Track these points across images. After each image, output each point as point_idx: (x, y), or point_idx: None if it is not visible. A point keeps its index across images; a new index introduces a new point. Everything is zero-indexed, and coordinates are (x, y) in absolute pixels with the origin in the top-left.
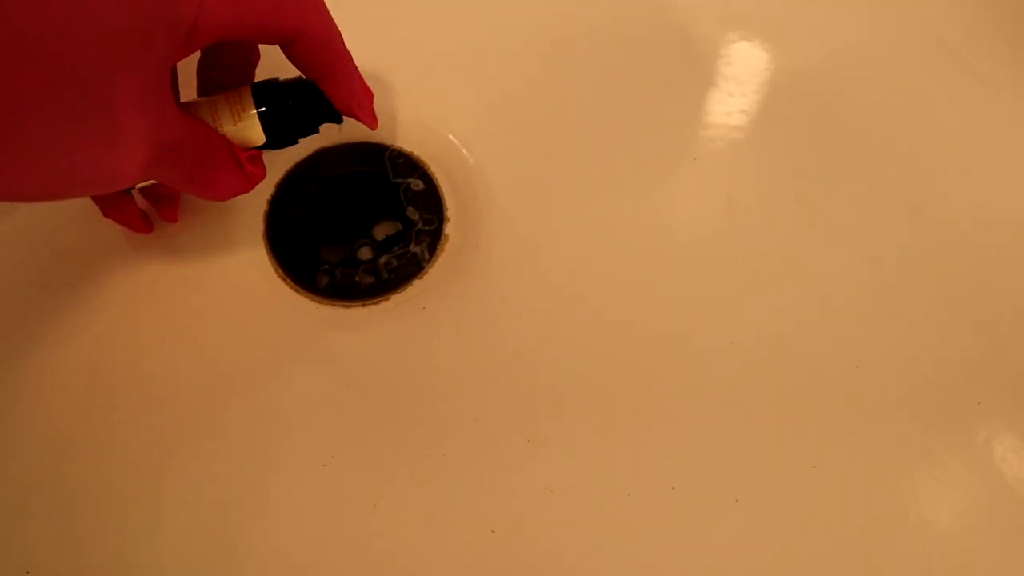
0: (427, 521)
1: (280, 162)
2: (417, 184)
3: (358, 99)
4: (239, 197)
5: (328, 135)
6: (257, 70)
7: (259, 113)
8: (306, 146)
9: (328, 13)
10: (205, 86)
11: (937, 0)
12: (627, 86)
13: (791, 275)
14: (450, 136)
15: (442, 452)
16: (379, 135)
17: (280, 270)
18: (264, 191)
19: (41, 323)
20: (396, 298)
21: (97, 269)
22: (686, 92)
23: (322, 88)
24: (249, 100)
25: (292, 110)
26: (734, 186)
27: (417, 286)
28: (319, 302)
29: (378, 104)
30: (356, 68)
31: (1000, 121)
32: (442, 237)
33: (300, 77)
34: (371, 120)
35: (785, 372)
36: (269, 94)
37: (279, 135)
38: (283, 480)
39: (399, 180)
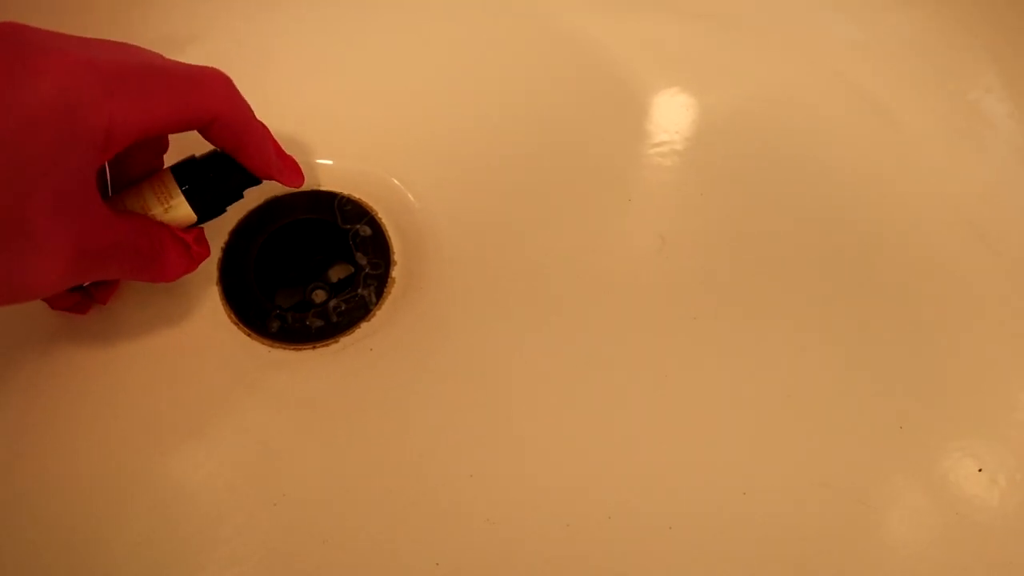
0: (374, 554)
1: (233, 211)
2: (365, 230)
3: (275, 166)
4: None
5: (280, 184)
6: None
7: (184, 193)
8: (258, 196)
9: (236, 93)
10: (119, 171)
11: (852, 47)
12: (565, 129)
13: (721, 307)
14: (396, 182)
15: (388, 487)
16: (328, 182)
17: (234, 316)
18: (218, 240)
19: None
20: (344, 340)
21: (49, 314)
22: (621, 136)
23: (238, 160)
24: (173, 183)
25: (214, 183)
26: (666, 225)
27: (365, 328)
28: (271, 346)
29: (327, 151)
30: (269, 135)
31: (908, 158)
32: (389, 280)
33: (214, 150)
34: (289, 180)
35: (715, 402)
36: (190, 173)
37: (208, 209)
38: (235, 519)
39: (348, 226)
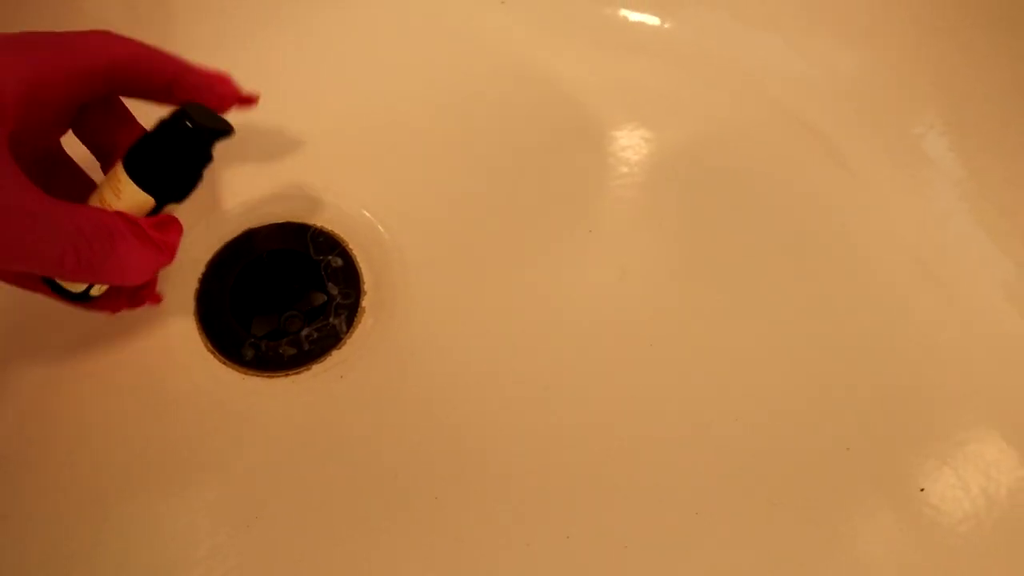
0: (345, 574)
1: (210, 242)
2: (336, 261)
3: (218, 83)
4: (172, 275)
5: (256, 216)
6: None
7: (129, 175)
8: (234, 227)
9: (126, 38)
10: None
11: (801, 84)
12: (530, 163)
13: (678, 335)
14: (367, 214)
15: (359, 511)
16: (302, 215)
17: (209, 344)
18: (195, 270)
19: None
20: (316, 368)
21: (24, 344)
22: (583, 168)
23: (180, 97)
24: (120, 168)
25: (160, 155)
26: (627, 255)
27: (336, 356)
28: (245, 373)
29: (300, 184)
30: (191, 63)
31: (855, 191)
32: (359, 310)
33: (162, 120)
34: (237, 95)
35: (671, 427)
36: (136, 153)
37: (166, 186)
38: (210, 540)
39: (320, 257)
